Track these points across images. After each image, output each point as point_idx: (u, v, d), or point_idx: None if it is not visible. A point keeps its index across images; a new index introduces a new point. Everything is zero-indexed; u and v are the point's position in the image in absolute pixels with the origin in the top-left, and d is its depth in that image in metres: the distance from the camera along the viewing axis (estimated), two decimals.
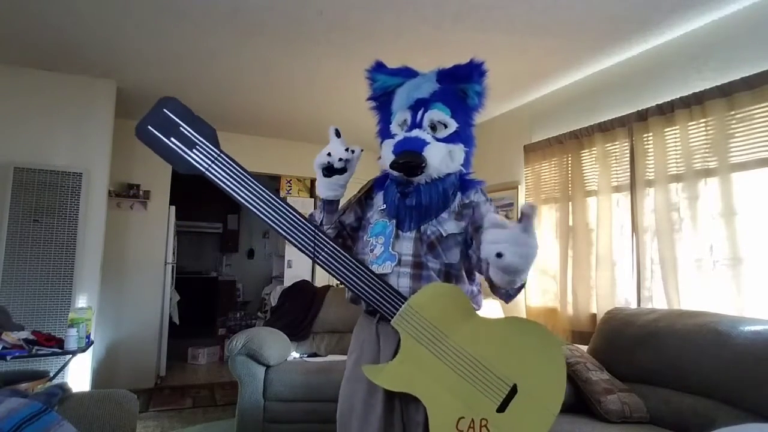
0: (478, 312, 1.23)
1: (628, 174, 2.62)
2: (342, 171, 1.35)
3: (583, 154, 2.93)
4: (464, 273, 1.34)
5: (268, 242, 7.75)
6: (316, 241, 1.19)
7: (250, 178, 1.18)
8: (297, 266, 4.99)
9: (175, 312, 4.87)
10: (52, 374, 2.63)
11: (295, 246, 1.19)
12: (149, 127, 1.15)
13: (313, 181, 5.04)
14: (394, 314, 1.18)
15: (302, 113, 3.96)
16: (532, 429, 1.17)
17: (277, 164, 4.77)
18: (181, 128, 1.15)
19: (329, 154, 1.31)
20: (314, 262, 1.19)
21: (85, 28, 2.61)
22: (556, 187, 3.11)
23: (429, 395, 1.16)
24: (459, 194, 1.35)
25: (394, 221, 1.33)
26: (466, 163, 1.39)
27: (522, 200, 3.45)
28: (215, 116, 4.12)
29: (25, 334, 2.42)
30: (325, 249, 1.19)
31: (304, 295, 3.65)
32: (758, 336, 1.75)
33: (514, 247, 0.96)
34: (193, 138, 1.16)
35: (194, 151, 1.15)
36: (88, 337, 2.57)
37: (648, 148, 2.51)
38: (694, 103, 2.26)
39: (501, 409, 1.15)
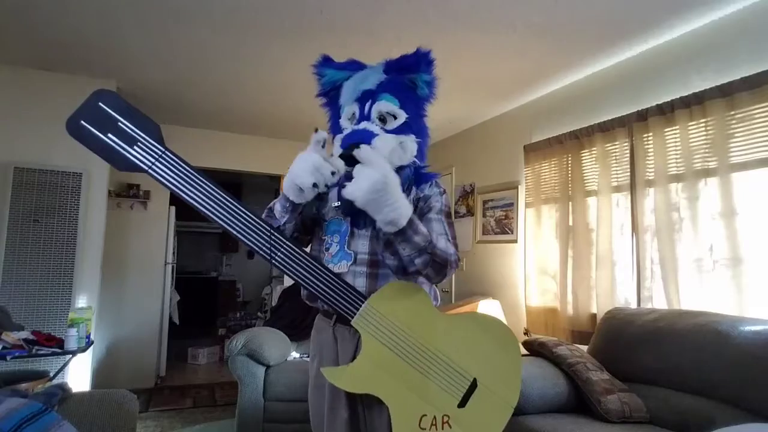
0: (437, 308, 1.23)
1: (628, 174, 2.62)
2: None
3: (583, 154, 2.93)
4: None
5: None
6: (271, 241, 1.13)
7: (199, 177, 1.11)
8: None
9: (175, 312, 4.87)
10: (52, 374, 2.63)
11: (249, 246, 1.13)
12: (82, 122, 1.05)
13: None
14: (354, 314, 1.16)
15: (303, 113, 3.96)
16: (492, 422, 1.18)
17: (277, 164, 4.77)
18: (119, 124, 1.07)
19: (315, 185, 1.16)
20: (270, 263, 1.14)
21: (85, 28, 2.61)
22: (556, 187, 3.10)
23: (391, 395, 1.14)
24: (414, 188, 1.32)
25: (349, 219, 1.30)
26: (421, 155, 1.35)
27: (522, 200, 3.45)
28: (215, 116, 4.12)
29: (25, 334, 2.42)
30: (282, 249, 1.14)
31: None
32: (758, 336, 1.75)
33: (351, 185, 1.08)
34: (133, 134, 1.08)
35: (135, 148, 1.08)
36: (88, 337, 2.57)
37: (648, 148, 2.51)
38: (694, 103, 2.26)
39: (462, 404, 1.16)
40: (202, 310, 6.54)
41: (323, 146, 1.19)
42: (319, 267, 1.17)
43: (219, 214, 1.12)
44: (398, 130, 1.29)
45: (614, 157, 2.73)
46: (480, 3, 2.21)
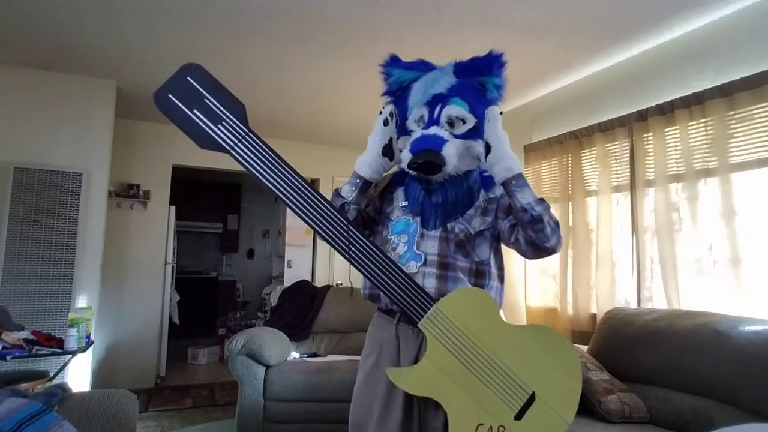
0: (503, 318, 1.22)
1: (628, 174, 2.62)
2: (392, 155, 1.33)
3: (583, 154, 2.93)
4: (494, 269, 1.32)
5: (268, 242, 7.75)
6: (348, 236, 1.13)
7: (280, 163, 1.11)
8: (297, 266, 4.99)
9: (175, 312, 4.86)
10: (52, 374, 2.62)
11: (325, 238, 1.13)
12: (170, 95, 1.06)
13: (313, 181, 5.04)
14: (422, 316, 1.15)
15: (303, 114, 3.96)
16: None
17: None
18: (206, 100, 1.07)
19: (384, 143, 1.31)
20: (344, 257, 1.13)
21: (84, 28, 2.61)
22: (556, 187, 3.10)
23: (451, 401, 1.14)
24: (482, 191, 1.33)
25: (419, 219, 1.29)
26: None
27: None
28: None
29: (25, 334, 2.42)
30: (357, 244, 1.14)
31: (304, 295, 3.65)
32: (758, 336, 1.75)
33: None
34: (219, 112, 1.08)
35: (220, 126, 1.07)
36: (88, 337, 2.56)
37: (648, 148, 2.51)
38: (694, 103, 2.26)
39: (518, 416, 1.15)
40: (202, 310, 6.53)
41: (388, 121, 1.27)
42: (392, 265, 1.16)
43: (297, 203, 1.11)
44: (466, 135, 1.28)
45: (614, 157, 2.73)
46: (480, 3, 2.21)
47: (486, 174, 1.36)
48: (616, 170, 2.72)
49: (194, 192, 6.54)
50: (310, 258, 5.04)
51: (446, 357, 1.15)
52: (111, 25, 2.56)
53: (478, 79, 1.31)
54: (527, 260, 3.31)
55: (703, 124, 2.25)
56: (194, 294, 6.28)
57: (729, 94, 2.13)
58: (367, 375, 1.33)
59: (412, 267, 1.24)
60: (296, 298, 3.66)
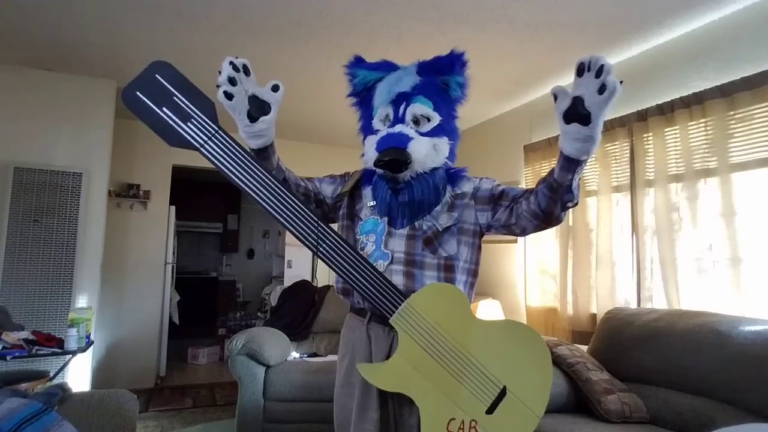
0: (475, 314, 1.23)
1: (628, 174, 2.62)
2: (266, 110, 1.20)
3: None
4: (463, 263, 1.32)
5: (268, 242, 7.75)
6: (318, 232, 1.13)
7: (250, 160, 1.11)
8: (297, 266, 4.99)
9: (175, 312, 4.87)
10: (52, 374, 2.62)
11: (295, 235, 1.13)
12: (138, 93, 1.05)
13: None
14: (393, 312, 1.17)
15: (304, 113, 3.96)
16: (517, 430, 1.18)
17: None
18: (174, 98, 1.06)
19: (227, 94, 1.13)
20: (315, 254, 1.14)
21: (85, 28, 2.61)
22: None
23: (423, 396, 1.15)
24: (449, 187, 1.34)
25: (386, 218, 1.30)
26: (452, 155, 1.37)
27: None
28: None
29: (25, 334, 2.42)
30: (327, 240, 1.14)
31: (304, 295, 3.65)
32: (758, 336, 1.75)
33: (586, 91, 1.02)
34: (188, 110, 1.07)
35: (189, 124, 1.06)
36: (88, 337, 2.56)
37: (648, 148, 2.51)
38: (694, 103, 2.26)
39: (490, 410, 1.16)
40: (202, 310, 6.53)
41: (232, 95, 1.13)
42: (364, 262, 1.16)
43: (268, 200, 1.11)
44: (432, 133, 1.30)
45: (614, 157, 2.73)
46: (480, 2, 2.21)
47: (452, 171, 1.36)
48: (616, 170, 2.72)
49: (194, 192, 6.54)
50: (310, 258, 5.04)
51: (417, 352, 1.15)
52: (111, 25, 2.56)
53: (441, 77, 1.33)
54: (527, 260, 3.32)
55: (703, 124, 2.25)
56: (194, 294, 6.29)
57: (729, 94, 2.13)
58: (343, 377, 1.35)
59: (380, 266, 1.25)
60: (296, 298, 3.66)
